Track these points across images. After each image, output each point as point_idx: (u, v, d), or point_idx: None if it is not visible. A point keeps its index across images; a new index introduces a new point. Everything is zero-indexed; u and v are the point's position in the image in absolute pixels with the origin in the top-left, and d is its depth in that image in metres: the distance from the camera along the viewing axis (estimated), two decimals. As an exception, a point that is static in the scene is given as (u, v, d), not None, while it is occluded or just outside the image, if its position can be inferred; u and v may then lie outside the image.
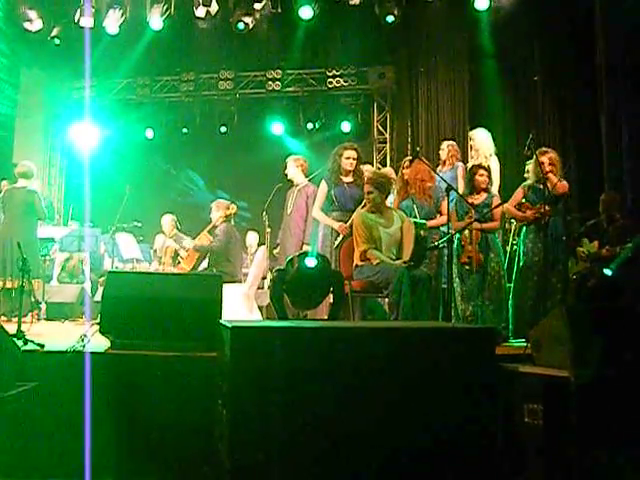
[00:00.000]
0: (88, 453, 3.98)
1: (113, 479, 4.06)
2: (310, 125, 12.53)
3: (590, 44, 9.52)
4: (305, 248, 7.22)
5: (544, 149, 6.77)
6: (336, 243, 6.85)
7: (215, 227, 8.46)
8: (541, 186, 6.48)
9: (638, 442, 3.68)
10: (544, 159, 6.54)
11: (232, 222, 8.66)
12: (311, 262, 5.91)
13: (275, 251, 8.37)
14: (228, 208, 8.47)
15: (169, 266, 9.83)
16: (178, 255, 9.43)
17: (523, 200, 6.73)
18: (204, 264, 8.75)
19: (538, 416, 3.86)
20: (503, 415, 3.78)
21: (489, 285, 6.38)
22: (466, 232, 6.41)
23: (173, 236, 10.06)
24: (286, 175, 8.02)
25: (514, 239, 7.71)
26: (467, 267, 6.40)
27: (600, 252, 7.20)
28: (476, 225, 6.34)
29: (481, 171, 6.69)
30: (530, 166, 7.23)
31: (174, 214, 10.40)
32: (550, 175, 6.51)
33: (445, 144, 7.75)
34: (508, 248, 7.63)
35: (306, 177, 7.93)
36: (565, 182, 6.62)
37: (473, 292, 6.39)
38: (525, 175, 7.48)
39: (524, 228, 6.74)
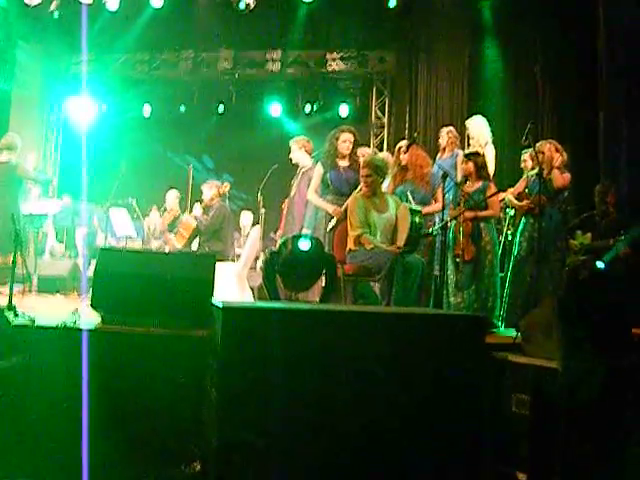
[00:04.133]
0: (85, 428, 3.99)
1: (100, 456, 4.06)
2: (308, 107, 12.53)
3: (591, 35, 9.50)
4: (305, 231, 7.18)
5: (547, 140, 6.79)
6: (330, 226, 6.84)
7: (209, 206, 8.46)
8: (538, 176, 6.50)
9: (623, 434, 3.70)
10: (545, 149, 6.55)
11: (227, 202, 8.65)
12: (304, 245, 5.91)
13: (278, 233, 8.34)
14: (220, 187, 8.46)
15: (158, 236, 9.85)
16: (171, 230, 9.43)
17: (526, 190, 6.77)
18: (195, 244, 8.75)
19: (526, 406, 3.88)
20: (491, 404, 3.79)
21: (482, 275, 6.38)
22: (458, 224, 6.40)
23: (176, 212, 10.02)
24: (291, 160, 7.93)
25: (509, 229, 7.73)
26: (457, 259, 6.39)
27: (593, 244, 7.22)
28: (471, 214, 6.33)
29: (464, 159, 6.70)
30: (527, 155, 7.25)
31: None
32: (544, 166, 6.52)
33: (444, 130, 7.70)
34: (502, 238, 7.64)
35: (311, 157, 7.83)
36: (567, 174, 6.63)
37: (466, 281, 6.39)
38: (522, 165, 7.49)
39: (522, 218, 6.76)
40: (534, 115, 10.24)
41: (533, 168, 6.94)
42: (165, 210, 10.35)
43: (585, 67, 9.78)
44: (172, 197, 10.27)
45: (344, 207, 6.62)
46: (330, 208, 6.84)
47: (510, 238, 7.37)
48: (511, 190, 7.04)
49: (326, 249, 6.44)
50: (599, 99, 9.25)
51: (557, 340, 3.92)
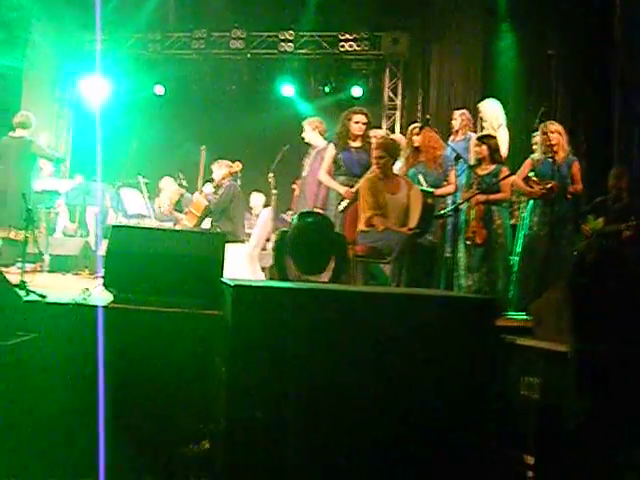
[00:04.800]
0: (102, 409, 4.00)
1: (110, 434, 4.08)
2: (321, 88, 12.50)
3: (607, 20, 9.43)
4: (317, 210, 7.14)
5: (550, 122, 6.74)
6: (341, 207, 6.83)
7: (219, 186, 8.44)
8: (550, 160, 6.45)
9: (634, 419, 3.70)
10: (551, 130, 6.51)
11: (238, 182, 8.63)
12: None
13: (289, 213, 8.31)
14: (231, 166, 8.43)
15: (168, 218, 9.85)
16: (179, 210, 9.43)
17: (531, 174, 6.70)
18: (206, 225, 8.74)
19: (535, 389, 3.87)
20: (499, 386, 3.79)
21: (493, 258, 6.36)
22: (470, 207, 6.38)
23: (180, 196, 10.02)
24: (303, 138, 7.89)
25: (522, 212, 7.68)
26: (468, 242, 6.38)
27: (604, 228, 7.18)
28: (483, 197, 6.30)
29: (477, 142, 6.66)
30: (537, 138, 7.19)
31: (181, 172, 10.35)
32: (557, 149, 6.48)
33: (457, 113, 7.66)
34: (516, 222, 7.58)
35: (324, 138, 7.80)
36: (577, 163, 6.59)
37: (477, 264, 6.37)
38: (533, 148, 7.44)
39: (531, 202, 6.71)
40: (548, 99, 10.18)
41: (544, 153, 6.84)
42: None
43: (600, 51, 9.71)
44: (168, 183, 10.28)
45: (355, 188, 6.60)
46: (341, 189, 6.83)
47: (522, 222, 7.33)
48: (518, 174, 6.97)
49: (337, 230, 6.43)
50: (614, 83, 9.19)
51: (567, 323, 3.91)
